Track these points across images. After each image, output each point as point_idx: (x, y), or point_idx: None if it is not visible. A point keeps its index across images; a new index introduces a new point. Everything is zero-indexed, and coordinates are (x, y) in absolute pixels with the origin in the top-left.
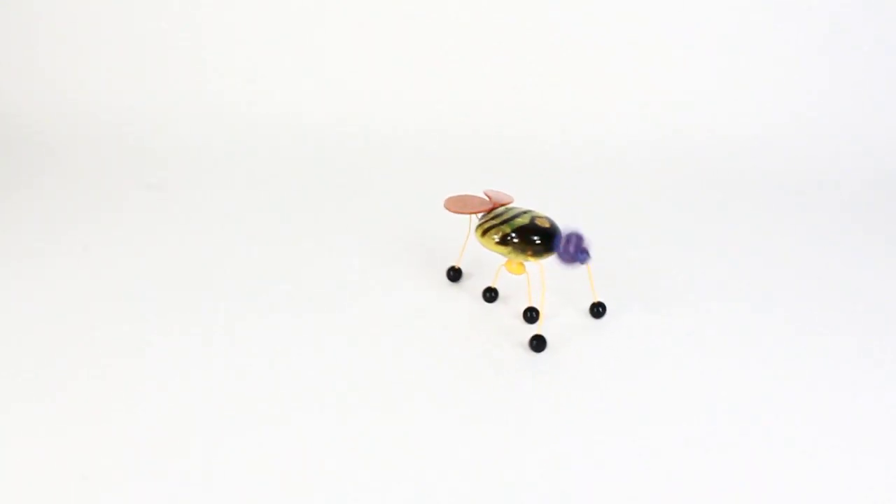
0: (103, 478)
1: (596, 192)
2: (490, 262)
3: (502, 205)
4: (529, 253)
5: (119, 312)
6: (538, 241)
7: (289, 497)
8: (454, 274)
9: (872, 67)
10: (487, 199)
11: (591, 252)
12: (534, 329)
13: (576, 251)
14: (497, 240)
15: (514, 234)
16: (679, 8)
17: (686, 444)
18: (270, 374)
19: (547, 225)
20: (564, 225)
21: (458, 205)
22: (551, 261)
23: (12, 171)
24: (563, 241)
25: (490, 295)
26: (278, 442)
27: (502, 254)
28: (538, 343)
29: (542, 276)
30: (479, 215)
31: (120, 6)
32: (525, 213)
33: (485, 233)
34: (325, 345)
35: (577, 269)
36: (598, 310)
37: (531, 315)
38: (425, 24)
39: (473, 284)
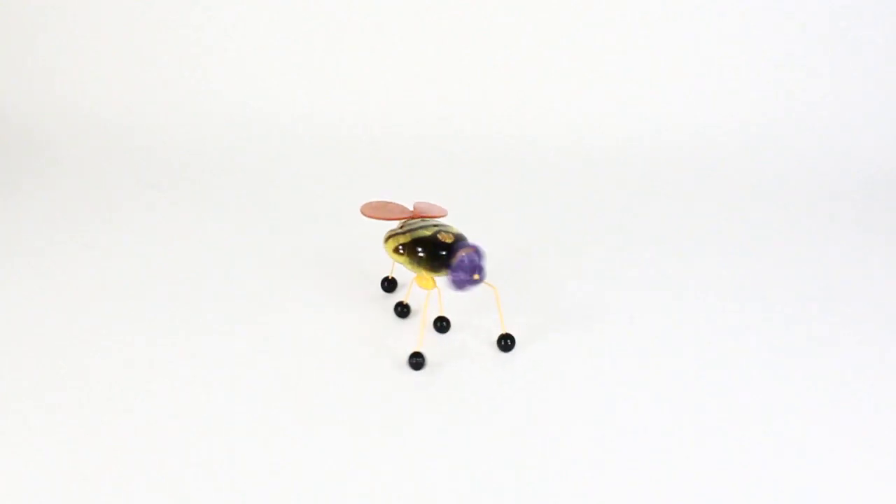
0: (104, 478)
1: (594, 192)
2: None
3: (425, 216)
4: (424, 266)
5: (119, 312)
6: (434, 256)
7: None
8: (388, 285)
9: (873, 68)
10: (407, 208)
11: (482, 272)
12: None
13: (468, 275)
14: (393, 248)
15: (412, 245)
16: (679, 8)
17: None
18: (270, 374)
19: (449, 241)
20: (466, 244)
21: (376, 210)
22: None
23: (12, 171)
24: (456, 265)
25: (401, 310)
26: (277, 442)
27: (401, 263)
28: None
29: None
30: (398, 223)
31: (120, 6)
32: (435, 226)
33: (387, 240)
34: (325, 345)
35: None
36: (506, 342)
37: (442, 325)
38: (424, 25)
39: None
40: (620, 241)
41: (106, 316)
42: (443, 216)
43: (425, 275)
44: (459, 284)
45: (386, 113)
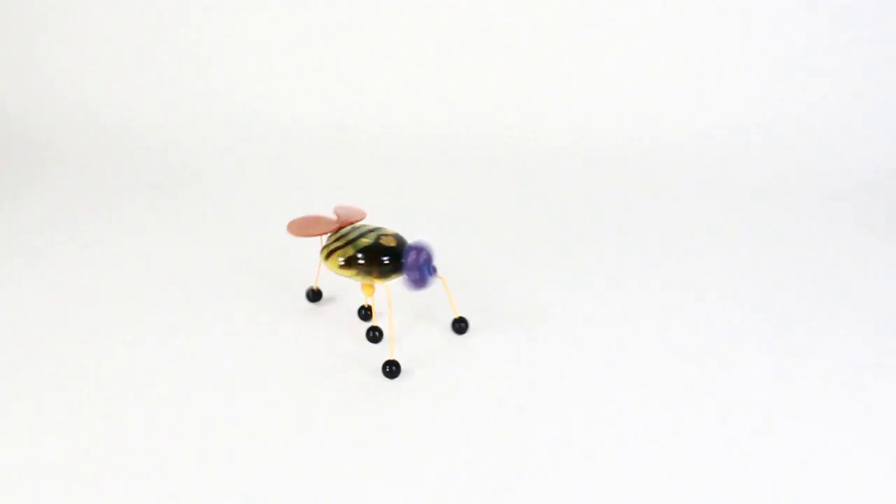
0: (104, 477)
1: (594, 191)
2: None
3: (351, 223)
4: (375, 275)
5: (118, 312)
6: (385, 262)
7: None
8: (314, 295)
9: (873, 68)
10: (334, 218)
11: (436, 269)
12: (383, 352)
13: (422, 273)
14: (342, 262)
15: (359, 256)
16: (679, 8)
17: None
18: (270, 375)
19: (393, 244)
20: (411, 241)
21: (302, 227)
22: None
23: (12, 171)
24: (409, 263)
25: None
26: (273, 444)
27: (348, 276)
28: (392, 369)
29: (388, 298)
30: (325, 236)
31: (120, 6)
32: (371, 231)
33: (329, 255)
34: (326, 346)
35: (430, 288)
36: (460, 325)
37: (374, 335)
38: (424, 25)
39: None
40: (620, 240)
41: (106, 316)
42: (363, 218)
43: (369, 282)
44: (418, 283)
45: (386, 113)
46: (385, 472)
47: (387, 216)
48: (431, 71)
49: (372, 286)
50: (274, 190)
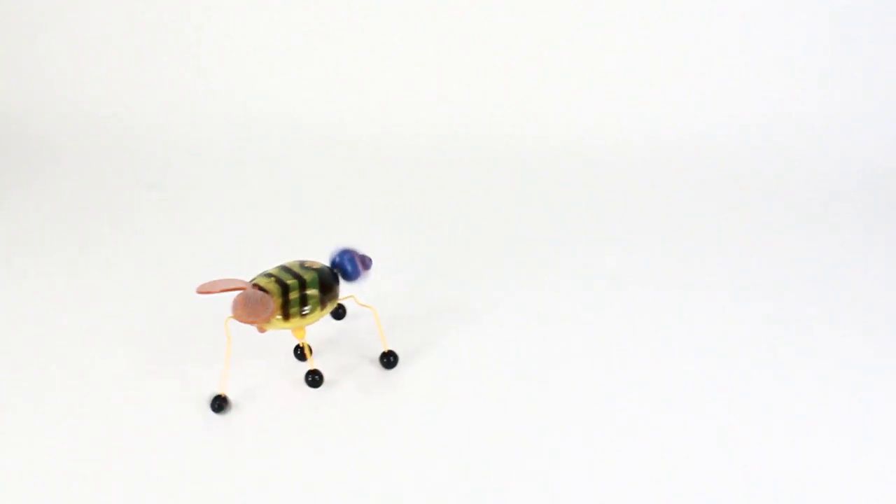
0: (102, 478)
1: (594, 192)
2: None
3: (255, 286)
4: (336, 296)
5: (119, 312)
6: (335, 280)
7: None
8: (222, 403)
9: (873, 68)
10: (245, 285)
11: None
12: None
13: (364, 264)
14: (321, 308)
15: (322, 294)
16: (679, 8)
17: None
18: (269, 375)
19: (319, 265)
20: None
21: (252, 308)
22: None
23: (12, 171)
24: (349, 264)
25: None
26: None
27: (324, 315)
28: (390, 360)
29: (358, 303)
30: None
31: (120, 6)
32: (287, 271)
33: (303, 315)
34: (322, 347)
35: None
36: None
37: (313, 379)
38: (424, 25)
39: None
40: (619, 240)
41: (106, 316)
42: (245, 281)
43: (335, 304)
44: (365, 271)
45: (386, 113)
46: (385, 472)
47: (387, 216)
48: (431, 71)
49: (304, 329)
50: (274, 190)
